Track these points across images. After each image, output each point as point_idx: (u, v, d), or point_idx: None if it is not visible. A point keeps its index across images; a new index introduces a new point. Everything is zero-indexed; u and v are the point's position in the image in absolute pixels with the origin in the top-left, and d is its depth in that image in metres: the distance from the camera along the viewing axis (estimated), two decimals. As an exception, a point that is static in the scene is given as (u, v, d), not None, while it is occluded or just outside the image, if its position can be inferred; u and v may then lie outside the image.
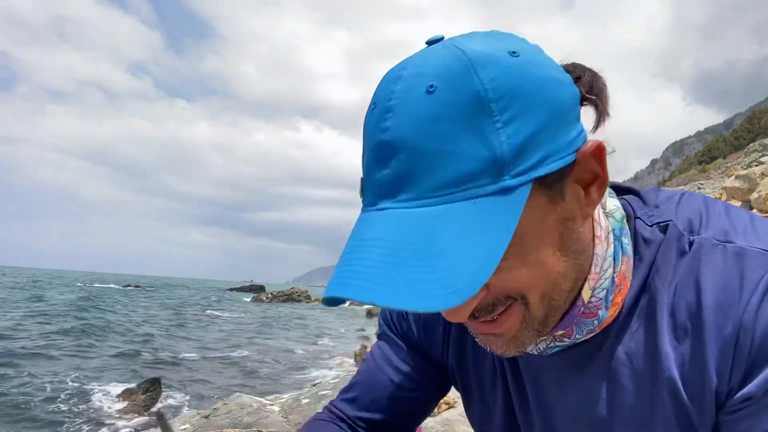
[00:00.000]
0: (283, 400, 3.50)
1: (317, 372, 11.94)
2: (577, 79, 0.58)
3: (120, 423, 7.74)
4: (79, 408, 8.28)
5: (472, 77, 0.49)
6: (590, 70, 0.60)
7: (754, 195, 7.76)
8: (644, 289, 0.62)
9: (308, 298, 51.70)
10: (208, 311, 31.47)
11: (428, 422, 2.55)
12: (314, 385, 3.95)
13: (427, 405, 0.85)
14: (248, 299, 52.83)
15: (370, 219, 0.51)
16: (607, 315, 0.61)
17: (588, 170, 0.54)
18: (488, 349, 0.61)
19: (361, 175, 0.55)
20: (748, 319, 0.54)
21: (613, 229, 0.62)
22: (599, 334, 0.64)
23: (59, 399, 8.64)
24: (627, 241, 0.62)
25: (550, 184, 0.52)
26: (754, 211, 7.57)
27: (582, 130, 0.55)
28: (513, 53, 0.51)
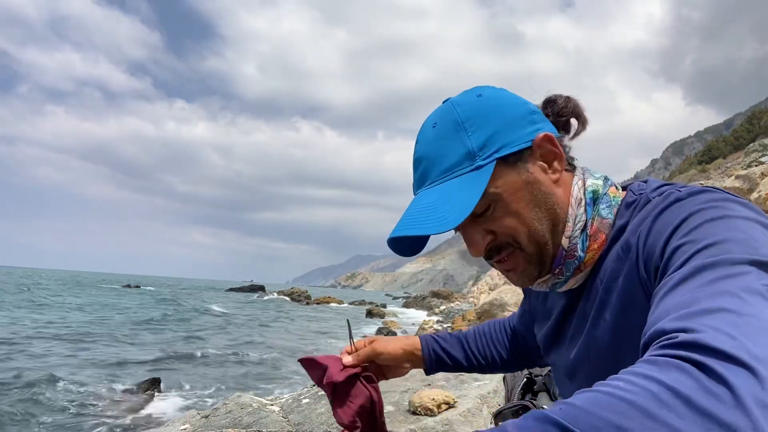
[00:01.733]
0: (283, 400, 3.49)
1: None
2: (550, 105, 0.96)
3: (120, 423, 7.74)
4: (78, 408, 8.27)
5: (453, 112, 0.89)
6: (564, 98, 0.96)
7: (754, 195, 7.76)
8: (617, 237, 0.89)
9: (308, 298, 51.69)
10: (208, 311, 31.47)
11: (428, 422, 2.55)
12: (314, 385, 3.95)
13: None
14: (248, 299, 52.84)
15: (414, 199, 0.91)
16: (585, 257, 0.90)
17: (548, 152, 0.89)
18: (512, 283, 0.95)
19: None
20: (643, 229, 0.81)
21: (586, 198, 0.91)
22: (589, 277, 0.92)
23: (58, 399, 8.64)
24: (604, 207, 0.91)
25: (513, 163, 0.87)
26: (754, 211, 7.56)
27: (537, 130, 0.89)
28: (478, 96, 0.90)
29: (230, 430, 2.80)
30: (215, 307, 34.89)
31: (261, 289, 67.01)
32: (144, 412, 8.18)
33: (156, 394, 8.89)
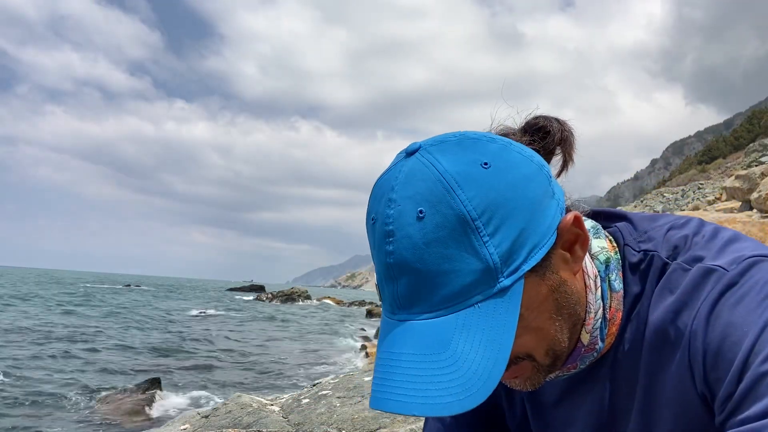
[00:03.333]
0: (283, 400, 3.49)
1: (317, 372, 11.95)
2: (546, 134, 0.70)
3: (120, 423, 7.74)
4: (78, 408, 8.28)
5: (454, 199, 0.57)
6: (557, 120, 0.71)
7: (754, 195, 7.76)
8: (631, 317, 0.71)
9: (308, 298, 51.71)
10: (208, 311, 31.46)
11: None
12: (314, 385, 3.95)
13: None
14: (248, 299, 52.85)
15: (395, 331, 0.61)
16: (604, 346, 0.72)
17: (570, 236, 0.64)
18: (510, 386, 0.72)
19: (376, 282, 0.65)
20: (698, 327, 0.62)
21: (599, 271, 0.71)
22: (597, 362, 0.74)
23: (57, 399, 8.64)
24: (614, 276, 0.71)
25: (538, 267, 0.61)
26: (754, 211, 7.57)
27: (557, 205, 0.63)
28: (485, 165, 0.59)
29: (230, 430, 2.80)
30: (215, 307, 34.89)
31: (261, 288, 67.01)
32: (144, 412, 8.17)
33: (156, 394, 8.88)
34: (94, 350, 13.63)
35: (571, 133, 0.72)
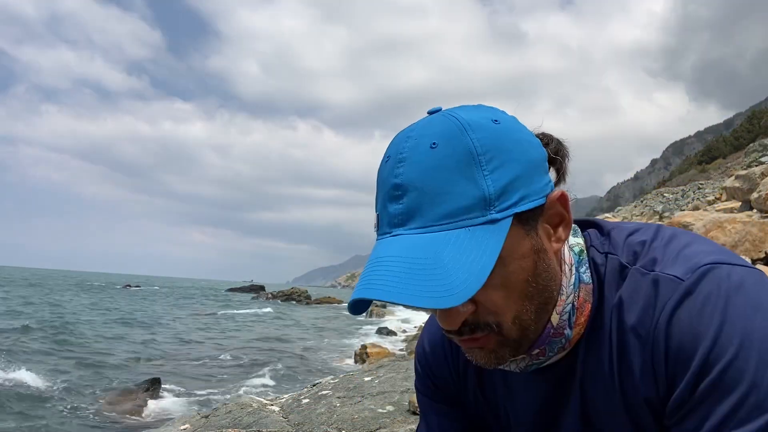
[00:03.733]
0: (283, 400, 3.49)
1: (317, 372, 11.95)
2: (545, 145, 0.76)
3: (120, 423, 7.74)
4: (78, 408, 8.27)
5: (465, 137, 0.65)
6: (556, 138, 0.79)
7: (754, 195, 7.75)
8: (596, 314, 0.76)
9: (308, 298, 51.72)
10: (208, 311, 31.46)
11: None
12: (314, 385, 3.95)
13: None
14: (248, 299, 52.84)
15: (385, 242, 0.67)
16: (572, 334, 0.75)
17: (556, 213, 0.71)
18: (473, 361, 0.75)
19: (376, 212, 0.70)
20: (659, 335, 0.68)
21: (574, 262, 0.76)
22: (567, 356, 0.78)
23: (57, 399, 8.64)
24: (584, 269, 0.77)
25: (525, 220, 0.67)
26: (754, 211, 7.56)
27: (549, 182, 0.71)
28: (495, 121, 0.68)
29: (230, 430, 2.80)
30: (215, 307, 34.88)
31: (261, 288, 67.01)
32: (144, 412, 8.17)
33: (156, 394, 8.88)
34: (94, 350, 13.63)
35: (567, 152, 0.79)
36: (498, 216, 0.64)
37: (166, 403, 8.67)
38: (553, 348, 0.75)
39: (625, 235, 0.78)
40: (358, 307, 0.68)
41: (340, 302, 51.09)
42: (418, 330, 22.26)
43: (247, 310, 34.14)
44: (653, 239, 0.75)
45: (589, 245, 0.79)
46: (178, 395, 9.21)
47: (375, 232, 0.70)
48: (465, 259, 0.62)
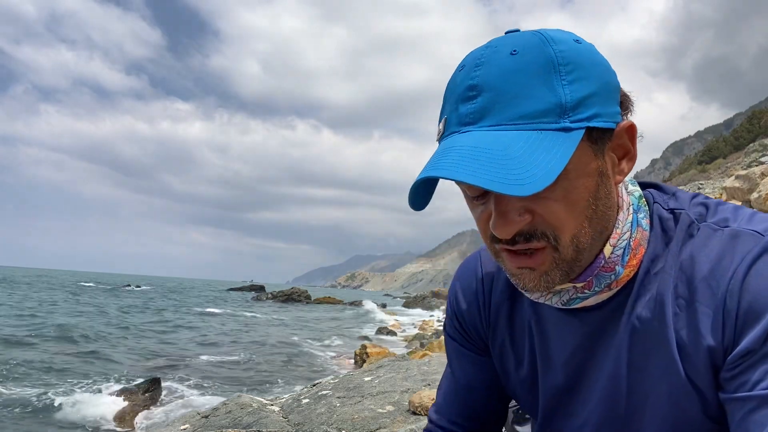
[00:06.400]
0: (283, 400, 3.49)
1: (317, 372, 11.95)
2: None
3: (120, 423, 7.73)
4: (77, 409, 8.27)
5: (548, 47, 0.66)
6: (623, 91, 0.75)
7: (754, 195, 7.76)
8: (655, 261, 0.75)
9: (308, 297, 51.68)
10: (208, 311, 31.44)
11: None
12: (314, 385, 3.95)
13: (500, 406, 1.02)
14: (248, 299, 52.82)
15: (455, 137, 0.66)
16: (623, 273, 0.74)
17: (622, 145, 0.71)
18: (520, 285, 0.73)
19: (443, 118, 0.69)
20: (735, 285, 0.67)
21: (632, 204, 0.77)
22: (615, 297, 0.76)
23: (57, 399, 8.64)
24: (643, 216, 0.77)
25: (595, 139, 0.67)
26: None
27: (620, 112, 0.70)
28: (577, 41, 0.69)
29: (230, 430, 2.80)
30: (215, 307, 34.86)
31: (261, 288, 66.98)
32: (144, 413, 8.17)
33: (156, 394, 8.87)
34: (94, 350, 13.62)
35: (631, 107, 0.78)
36: (572, 125, 0.64)
37: (166, 403, 8.67)
38: (600, 283, 0.74)
39: (690, 197, 0.79)
40: (419, 196, 0.69)
41: (340, 302, 51.09)
42: (418, 330, 22.27)
43: (248, 311, 34.13)
44: (719, 203, 0.77)
45: (652, 202, 0.79)
46: (177, 395, 9.21)
47: (437, 142, 0.69)
48: (536, 158, 0.61)
